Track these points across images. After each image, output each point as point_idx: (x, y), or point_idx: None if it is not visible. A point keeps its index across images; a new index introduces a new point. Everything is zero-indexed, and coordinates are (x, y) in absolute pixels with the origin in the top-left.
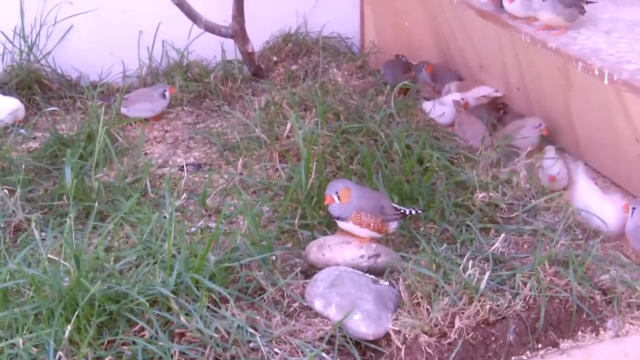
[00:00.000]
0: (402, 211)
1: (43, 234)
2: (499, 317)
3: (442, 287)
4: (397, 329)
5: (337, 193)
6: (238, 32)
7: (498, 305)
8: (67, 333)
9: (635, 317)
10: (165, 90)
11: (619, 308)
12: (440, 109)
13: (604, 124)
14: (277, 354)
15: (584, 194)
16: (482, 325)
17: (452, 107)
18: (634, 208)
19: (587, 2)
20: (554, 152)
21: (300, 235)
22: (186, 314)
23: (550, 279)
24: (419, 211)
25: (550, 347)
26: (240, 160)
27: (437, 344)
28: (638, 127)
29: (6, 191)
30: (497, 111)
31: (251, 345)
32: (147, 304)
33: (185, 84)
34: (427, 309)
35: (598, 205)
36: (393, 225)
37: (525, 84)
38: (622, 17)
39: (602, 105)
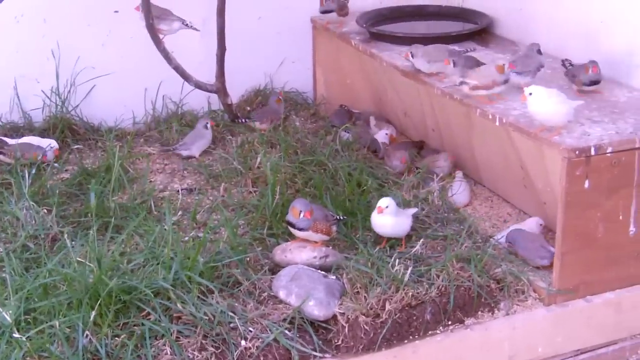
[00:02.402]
0: (337, 217)
1: (73, 242)
2: (419, 302)
3: (376, 279)
4: (342, 311)
5: (305, 210)
6: (220, 89)
7: (418, 293)
8: (92, 317)
9: (520, 300)
10: (207, 123)
11: (509, 293)
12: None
13: (497, 155)
14: (251, 331)
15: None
16: (406, 308)
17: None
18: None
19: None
20: (461, 176)
21: (268, 241)
22: (182, 302)
23: (457, 272)
24: (345, 217)
25: (458, 324)
26: (222, 185)
27: (372, 322)
28: (522, 157)
29: (45, 210)
30: (417, 147)
31: (231, 325)
32: (152, 295)
33: (180, 129)
34: (365, 296)
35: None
36: (334, 228)
37: (439, 126)
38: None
39: (495, 141)
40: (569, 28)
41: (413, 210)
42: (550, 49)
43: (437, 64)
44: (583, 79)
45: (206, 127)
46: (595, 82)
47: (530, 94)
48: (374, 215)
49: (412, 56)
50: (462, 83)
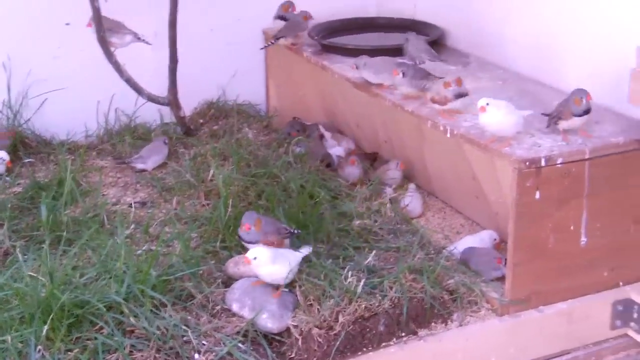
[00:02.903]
0: (290, 231)
1: (25, 256)
2: (372, 314)
3: (329, 292)
4: (295, 324)
5: (252, 223)
6: (172, 101)
7: (371, 305)
8: (44, 332)
9: (473, 311)
10: (165, 140)
11: (462, 304)
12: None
13: (449, 166)
14: (204, 345)
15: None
16: (360, 320)
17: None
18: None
19: (439, 79)
20: (414, 188)
21: (221, 254)
22: (135, 316)
23: (410, 284)
24: (298, 231)
25: (411, 335)
26: (175, 198)
27: (325, 335)
28: (473, 168)
29: None
30: (370, 159)
31: (184, 339)
32: (105, 309)
33: (133, 142)
34: (318, 308)
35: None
36: (287, 242)
37: (391, 138)
38: None
39: (447, 153)
40: (518, 40)
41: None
42: (501, 60)
43: (383, 74)
44: (574, 110)
45: (165, 143)
46: (587, 111)
47: (487, 104)
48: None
49: (357, 67)
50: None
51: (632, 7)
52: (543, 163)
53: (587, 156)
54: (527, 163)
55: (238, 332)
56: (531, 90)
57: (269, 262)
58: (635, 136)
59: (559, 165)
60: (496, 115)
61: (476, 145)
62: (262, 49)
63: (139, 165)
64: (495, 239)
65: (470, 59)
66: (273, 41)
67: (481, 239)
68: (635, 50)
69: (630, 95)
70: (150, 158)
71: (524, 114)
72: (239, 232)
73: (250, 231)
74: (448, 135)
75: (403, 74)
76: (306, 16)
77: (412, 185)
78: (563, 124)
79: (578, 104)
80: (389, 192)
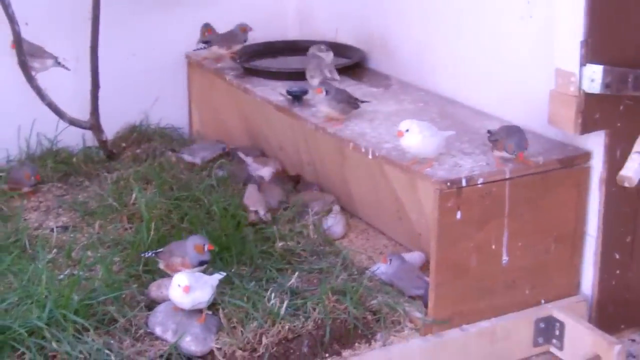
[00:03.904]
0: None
1: None
2: (296, 335)
3: (252, 314)
4: (219, 346)
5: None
6: (95, 125)
7: (295, 326)
8: None
9: (397, 331)
10: (224, 145)
11: (385, 324)
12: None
13: (371, 188)
14: None
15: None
16: (283, 342)
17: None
18: (390, 259)
19: (362, 102)
20: (337, 210)
21: (144, 278)
22: (57, 341)
23: (333, 305)
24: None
25: (335, 356)
26: (97, 222)
27: (249, 357)
28: (395, 189)
29: None
30: (294, 181)
31: None
32: (26, 334)
33: (54, 166)
34: (241, 330)
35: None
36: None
37: (314, 160)
38: (382, 110)
39: (369, 174)
40: (438, 63)
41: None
42: (422, 83)
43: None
44: (508, 150)
45: (222, 146)
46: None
47: (407, 130)
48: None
49: (327, 93)
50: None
51: (547, 29)
52: (464, 183)
53: (507, 176)
54: (449, 184)
55: (161, 356)
56: (452, 112)
57: (195, 287)
58: (555, 156)
59: (480, 185)
60: (417, 138)
61: (397, 166)
62: (195, 50)
63: (187, 158)
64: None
65: (391, 81)
66: (205, 45)
67: (412, 258)
68: (554, 72)
69: (550, 116)
70: (200, 153)
71: (446, 134)
72: (196, 255)
73: (207, 251)
74: (370, 156)
75: (326, 92)
76: (244, 28)
77: (336, 207)
78: (497, 153)
79: (510, 149)
80: (311, 214)
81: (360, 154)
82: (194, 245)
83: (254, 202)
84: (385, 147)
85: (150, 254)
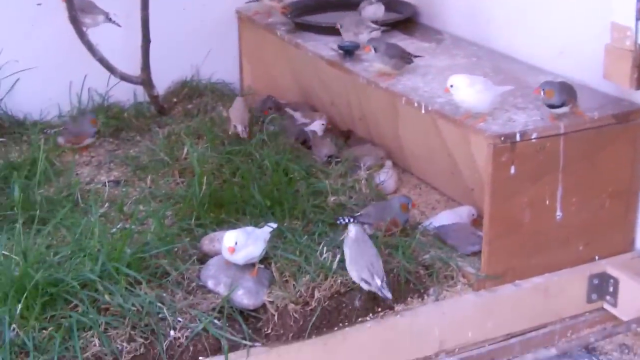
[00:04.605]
0: None
1: None
2: (348, 289)
3: (304, 267)
4: (271, 300)
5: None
6: (146, 80)
7: (347, 280)
8: (18, 310)
9: (449, 286)
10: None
11: (438, 279)
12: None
13: (424, 143)
14: (180, 321)
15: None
16: (336, 296)
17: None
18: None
19: (415, 56)
20: (390, 165)
21: (196, 232)
22: (109, 294)
23: (386, 259)
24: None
25: (387, 310)
26: (149, 177)
27: (301, 310)
28: (448, 144)
29: None
30: (345, 136)
31: (160, 316)
32: (79, 287)
33: (106, 121)
34: (294, 284)
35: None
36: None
37: (365, 115)
38: (434, 64)
39: (421, 129)
40: (491, 17)
41: None
42: (475, 37)
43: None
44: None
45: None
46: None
47: (452, 85)
48: None
49: (375, 50)
50: None
51: None
52: (518, 138)
53: (561, 131)
54: (502, 138)
55: (214, 309)
56: (505, 67)
57: (242, 245)
58: (610, 111)
59: (534, 140)
60: (469, 93)
61: (450, 121)
62: (246, 2)
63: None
64: (473, 215)
65: (443, 36)
66: None
67: (459, 215)
68: (610, 26)
69: (605, 70)
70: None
71: (502, 90)
72: (403, 215)
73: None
74: (423, 111)
75: (375, 49)
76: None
77: (388, 162)
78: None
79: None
80: (363, 169)
81: (412, 108)
82: (400, 204)
83: (236, 116)
84: (438, 101)
85: (347, 220)
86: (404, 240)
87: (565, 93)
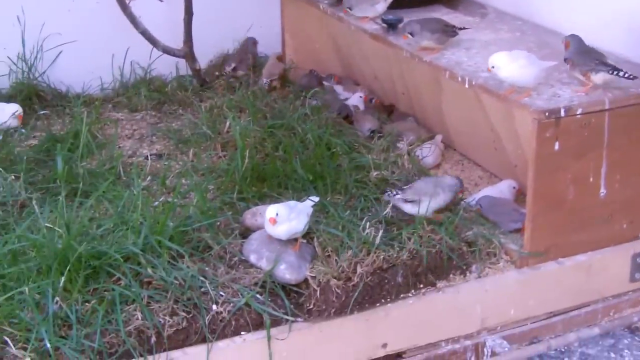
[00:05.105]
0: None
1: (41, 208)
2: (390, 265)
3: (347, 242)
4: (313, 275)
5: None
6: (188, 54)
7: (389, 256)
8: (61, 283)
9: (492, 263)
10: None
11: (480, 256)
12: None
13: (466, 118)
14: (222, 295)
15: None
16: (378, 271)
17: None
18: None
19: (460, 29)
20: (439, 140)
21: (238, 206)
22: (152, 267)
23: (428, 235)
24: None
25: (430, 287)
26: (191, 150)
27: (344, 285)
28: (491, 119)
29: (13, 177)
30: (387, 111)
31: (202, 290)
32: (122, 260)
33: (148, 94)
34: (336, 259)
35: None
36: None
37: (408, 90)
38: (478, 39)
39: (464, 104)
40: None
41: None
42: (519, 12)
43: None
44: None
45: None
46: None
47: (493, 66)
48: None
49: (412, 35)
50: None
51: None
52: (562, 113)
53: (607, 107)
54: (547, 114)
55: (256, 284)
56: (550, 41)
57: (285, 219)
58: None
59: (579, 116)
60: (512, 69)
61: (494, 96)
62: None
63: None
64: (514, 187)
65: (487, 10)
66: None
67: (500, 190)
68: None
69: None
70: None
71: (546, 65)
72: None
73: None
74: (466, 85)
75: (411, 34)
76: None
77: (438, 136)
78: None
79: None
80: (405, 143)
81: (456, 82)
82: (455, 190)
83: (264, 72)
84: (482, 76)
85: (394, 193)
86: (447, 217)
87: (573, 53)
